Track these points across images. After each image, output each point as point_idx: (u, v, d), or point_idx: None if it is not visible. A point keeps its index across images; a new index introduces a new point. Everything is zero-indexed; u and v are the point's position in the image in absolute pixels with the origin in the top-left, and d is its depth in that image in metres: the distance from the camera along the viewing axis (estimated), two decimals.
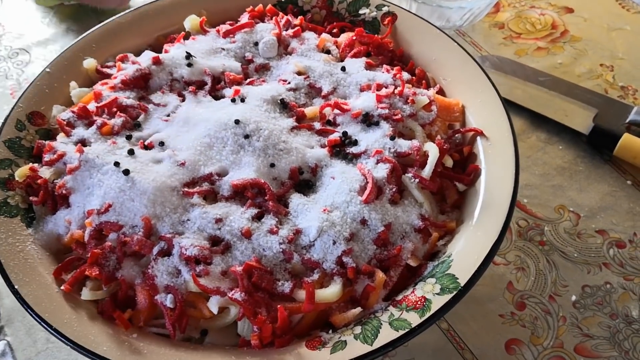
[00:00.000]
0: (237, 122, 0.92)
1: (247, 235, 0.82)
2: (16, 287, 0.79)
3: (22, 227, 0.88)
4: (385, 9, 1.15)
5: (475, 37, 1.41)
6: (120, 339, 0.77)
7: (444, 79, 1.06)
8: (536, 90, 1.24)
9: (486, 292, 0.97)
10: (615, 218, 1.07)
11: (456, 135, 0.99)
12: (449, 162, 0.94)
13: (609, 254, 1.02)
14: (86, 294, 0.82)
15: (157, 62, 1.04)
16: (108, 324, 0.80)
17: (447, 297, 0.76)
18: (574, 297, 0.97)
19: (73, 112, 0.99)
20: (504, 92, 0.98)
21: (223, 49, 1.10)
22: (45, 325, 0.76)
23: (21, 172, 0.93)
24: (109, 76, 1.07)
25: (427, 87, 1.06)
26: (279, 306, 0.77)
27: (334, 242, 0.82)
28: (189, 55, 1.04)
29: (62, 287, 0.81)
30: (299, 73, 1.05)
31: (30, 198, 0.92)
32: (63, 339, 0.75)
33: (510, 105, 0.94)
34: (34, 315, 0.77)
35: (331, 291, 0.79)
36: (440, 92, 1.06)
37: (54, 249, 0.89)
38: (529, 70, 1.28)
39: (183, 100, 1.01)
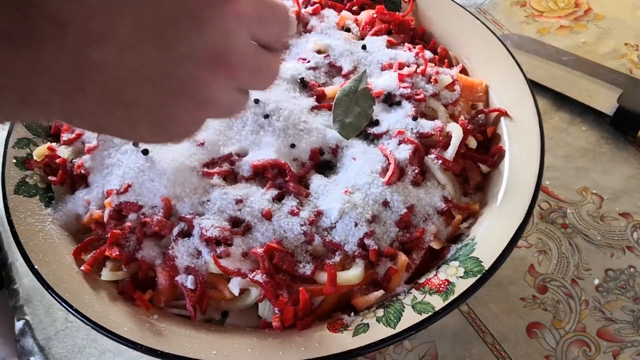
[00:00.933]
0: (256, 101, 0.91)
1: (267, 216, 0.81)
2: (36, 267, 0.79)
3: (40, 207, 0.88)
4: None
5: (497, 15, 1.38)
6: (141, 320, 0.76)
7: (466, 58, 1.04)
8: (559, 69, 1.22)
9: (507, 275, 0.96)
10: None
11: (480, 115, 0.97)
12: (472, 143, 0.92)
13: (633, 237, 1.00)
14: (106, 274, 0.81)
15: None
16: (128, 305, 0.79)
17: (471, 281, 0.75)
18: (596, 281, 0.96)
19: None
20: (526, 72, 0.96)
21: None
22: (66, 306, 0.75)
23: (39, 152, 0.92)
24: None
25: (450, 66, 1.04)
26: (300, 288, 0.76)
27: (356, 224, 0.81)
28: None
29: (82, 268, 0.81)
30: (319, 51, 1.03)
31: (49, 178, 0.91)
32: (84, 320, 0.74)
33: (533, 86, 0.92)
34: (54, 296, 0.76)
35: (353, 273, 0.78)
36: (463, 71, 1.03)
37: (73, 229, 0.88)
38: (552, 50, 1.25)
39: None
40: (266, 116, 0.90)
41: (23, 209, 0.86)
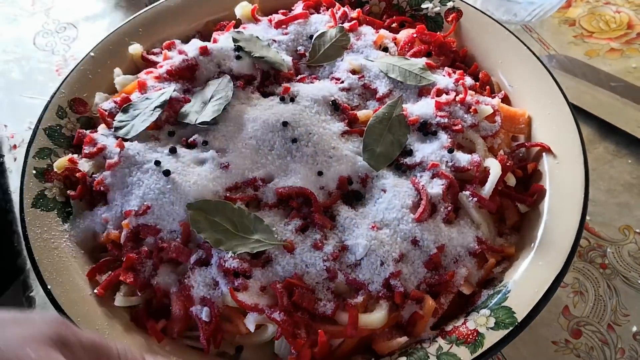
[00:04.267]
0: (285, 124, 0.87)
1: (290, 249, 0.78)
2: (49, 287, 0.77)
3: (58, 222, 0.85)
4: (450, 4, 1.07)
5: (543, 33, 1.31)
6: (152, 351, 0.73)
7: (510, 86, 0.98)
8: (607, 96, 1.15)
9: (540, 316, 0.88)
10: None
11: (520, 149, 0.92)
12: (511, 180, 0.87)
13: None
14: (120, 299, 0.78)
15: (204, 52, 0.98)
16: (141, 333, 0.77)
17: (502, 333, 0.71)
18: (634, 328, 0.90)
19: (115, 102, 0.94)
20: (571, 97, 0.91)
21: (274, 41, 1.03)
22: None
23: (60, 164, 0.90)
24: (154, 64, 1.03)
25: (491, 93, 0.98)
26: (319, 330, 0.72)
27: (382, 263, 0.76)
28: (239, 48, 0.99)
29: (96, 291, 0.78)
30: (354, 72, 0.98)
31: (68, 192, 0.88)
32: None
33: (577, 112, 0.86)
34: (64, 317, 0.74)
35: (376, 317, 0.74)
36: (505, 99, 0.98)
37: (89, 246, 0.85)
38: (601, 74, 1.19)
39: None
40: (294, 140, 0.86)
41: (40, 223, 0.83)
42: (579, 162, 0.84)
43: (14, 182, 1.09)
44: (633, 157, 1.10)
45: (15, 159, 1.13)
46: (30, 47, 1.36)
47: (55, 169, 0.90)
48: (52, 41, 1.37)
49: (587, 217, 0.99)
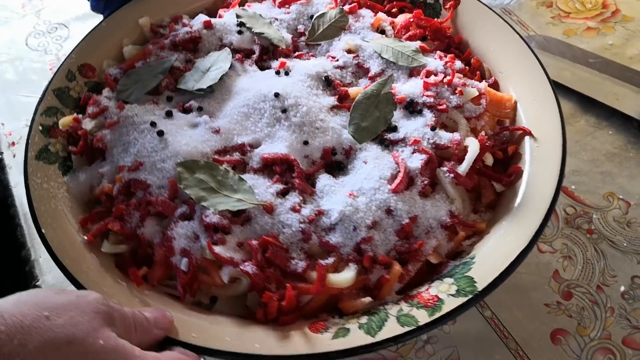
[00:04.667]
0: (276, 95, 0.91)
1: (269, 210, 0.82)
2: (43, 230, 0.82)
3: (58, 175, 0.91)
4: None
5: (522, 15, 1.35)
6: (132, 294, 0.78)
7: (500, 72, 1.01)
8: (586, 72, 1.20)
9: (531, 281, 0.95)
10: None
11: (504, 132, 0.94)
12: (489, 159, 0.90)
13: None
14: (106, 246, 0.84)
15: (208, 26, 1.03)
16: (123, 279, 0.81)
17: (461, 300, 0.73)
18: (622, 288, 0.94)
19: (121, 68, 1.00)
20: (552, 74, 0.94)
21: (276, 19, 1.08)
22: (63, 270, 0.78)
23: (65, 121, 0.95)
24: (162, 36, 1.08)
25: (482, 78, 1.01)
26: (287, 285, 0.76)
27: (355, 228, 0.80)
28: (241, 24, 1.04)
29: (86, 237, 0.84)
30: (349, 51, 1.02)
31: (70, 147, 0.94)
32: (75, 285, 0.77)
33: (558, 88, 0.90)
34: (54, 259, 0.79)
35: (344, 277, 0.78)
36: (495, 85, 1.01)
37: (85, 199, 0.91)
38: (578, 52, 1.23)
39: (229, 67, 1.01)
40: (284, 110, 0.91)
41: (41, 174, 0.89)
42: (557, 147, 0.85)
43: (14, 178, 1.13)
44: (613, 128, 1.14)
45: (14, 156, 1.18)
46: (23, 48, 1.40)
47: (60, 126, 0.95)
48: (44, 41, 1.41)
49: (573, 187, 1.05)
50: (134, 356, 0.60)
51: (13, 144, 1.20)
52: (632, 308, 0.91)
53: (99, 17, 1.36)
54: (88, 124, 0.95)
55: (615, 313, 0.91)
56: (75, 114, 0.97)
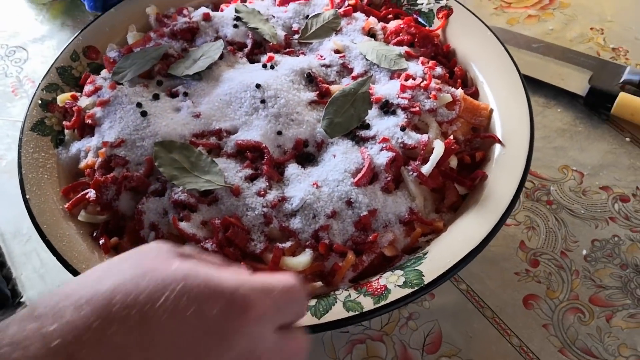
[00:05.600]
0: (258, 86, 0.96)
1: (235, 192, 0.86)
2: (27, 197, 0.88)
3: (49, 146, 0.97)
4: (442, 2, 1.13)
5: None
6: (101, 261, 0.83)
7: (482, 82, 1.03)
8: (531, 56, 1.27)
9: (500, 252, 1.00)
10: (617, 174, 1.09)
11: (476, 139, 0.97)
12: (453, 162, 0.92)
13: (615, 208, 1.05)
14: (83, 215, 0.89)
15: (207, 18, 1.09)
16: (96, 248, 0.87)
17: (406, 291, 0.76)
18: (584, 252, 1.00)
19: (120, 51, 1.06)
20: None
21: (274, 17, 1.13)
22: (40, 235, 0.84)
23: (63, 97, 1.02)
24: (166, 25, 1.14)
25: (463, 86, 1.04)
26: (242, 263, 0.80)
27: (315, 216, 0.84)
28: (238, 18, 1.09)
29: (65, 206, 0.89)
30: (337, 51, 1.06)
31: (64, 122, 1.00)
32: (51, 250, 0.82)
33: None
34: (34, 224, 0.85)
35: (299, 260, 0.82)
36: (475, 94, 1.03)
37: (73, 172, 0.97)
38: (522, 38, 1.30)
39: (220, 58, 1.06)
40: (263, 101, 0.95)
41: (33, 145, 0.96)
42: (522, 155, 0.88)
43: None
44: (561, 106, 1.21)
45: None
46: None
47: (58, 102, 1.02)
48: (3, 64, 1.40)
49: None
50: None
51: None
52: (595, 269, 0.98)
53: (57, 37, 1.41)
54: (84, 102, 1.01)
55: (580, 275, 0.97)
56: (73, 92, 1.03)
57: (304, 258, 0.82)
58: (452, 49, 1.10)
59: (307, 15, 1.13)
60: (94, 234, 0.89)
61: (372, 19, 1.12)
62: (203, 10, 1.13)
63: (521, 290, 0.96)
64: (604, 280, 0.96)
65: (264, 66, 1.02)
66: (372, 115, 0.96)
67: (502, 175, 0.89)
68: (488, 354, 0.90)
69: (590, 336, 0.91)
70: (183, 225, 0.83)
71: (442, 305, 0.95)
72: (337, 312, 0.76)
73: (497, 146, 0.93)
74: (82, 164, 0.95)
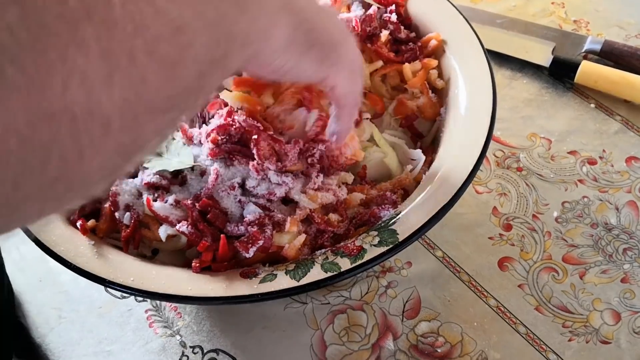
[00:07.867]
0: None
1: (204, 174, 0.88)
2: None
3: None
4: None
5: None
6: (76, 244, 0.84)
7: (449, 56, 1.06)
8: (495, 32, 1.32)
9: (473, 219, 1.04)
10: (584, 139, 1.14)
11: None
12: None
13: (583, 171, 1.09)
14: None
15: None
16: (73, 231, 0.86)
17: (382, 250, 0.78)
18: (555, 213, 1.03)
19: None
20: None
21: None
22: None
23: None
24: None
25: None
26: (221, 235, 0.81)
27: None
28: None
29: None
30: None
31: None
32: (28, 235, 0.83)
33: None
34: None
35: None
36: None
37: None
38: (486, 15, 1.35)
39: None
40: None
41: None
42: (486, 119, 0.91)
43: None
44: (527, 77, 1.27)
45: None
46: None
47: None
48: None
49: (498, 132, 1.17)
50: None
51: None
52: (567, 229, 1.01)
53: None
54: None
55: (552, 236, 1.01)
56: None
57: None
58: (415, 24, 1.12)
59: None
60: (71, 217, 0.89)
61: None
62: None
63: (496, 254, 0.99)
64: (575, 239, 1.00)
65: None
66: None
67: (467, 141, 0.90)
68: (467, 316, 0.92)
69: (565, 293, 0.94)
70: (157, 206, 0.84)
71: (420, 273, 0.97)
72: (315, 274, 0.77)
73: (463, 115, 0.95)
74: None
